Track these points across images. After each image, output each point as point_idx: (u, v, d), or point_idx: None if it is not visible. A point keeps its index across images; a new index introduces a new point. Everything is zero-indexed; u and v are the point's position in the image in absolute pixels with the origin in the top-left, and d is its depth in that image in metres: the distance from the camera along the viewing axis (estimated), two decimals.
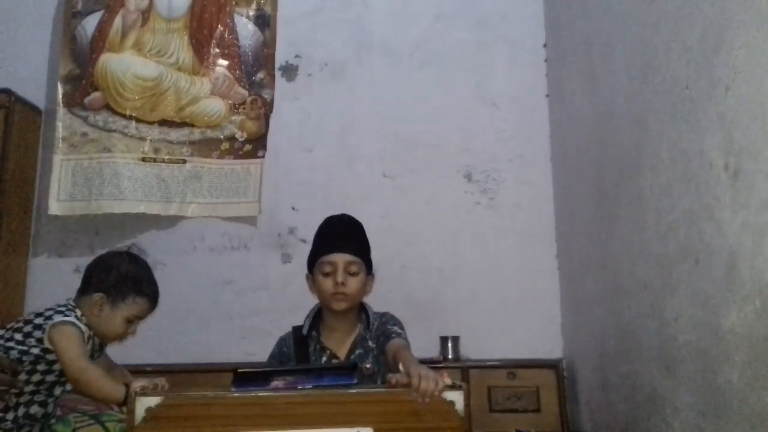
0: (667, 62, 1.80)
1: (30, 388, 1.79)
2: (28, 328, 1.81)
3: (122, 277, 1.88)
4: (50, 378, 1.82)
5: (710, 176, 1.56)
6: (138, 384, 1.55)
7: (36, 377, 1.80)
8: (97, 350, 1.93)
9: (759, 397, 1.35)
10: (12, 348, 1.78)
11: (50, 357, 1.79)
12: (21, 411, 1.79)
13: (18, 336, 1.80)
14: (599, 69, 2.43)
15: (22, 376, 1.76)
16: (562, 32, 3.00)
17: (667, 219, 1.80)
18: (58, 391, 1.85)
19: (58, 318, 1.79)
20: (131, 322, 1.90)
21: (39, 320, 1.82)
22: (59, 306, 1.86)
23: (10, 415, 1.78)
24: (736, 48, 1.45)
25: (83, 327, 1.81)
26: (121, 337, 1.91)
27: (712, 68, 1.55)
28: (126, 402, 1.59)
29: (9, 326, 1.84)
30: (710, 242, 1.56)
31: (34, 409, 1.81)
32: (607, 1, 2.32)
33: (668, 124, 1.79)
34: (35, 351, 1.78)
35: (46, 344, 1.78)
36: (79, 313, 1.84)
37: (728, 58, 1.48)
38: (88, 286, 1.88)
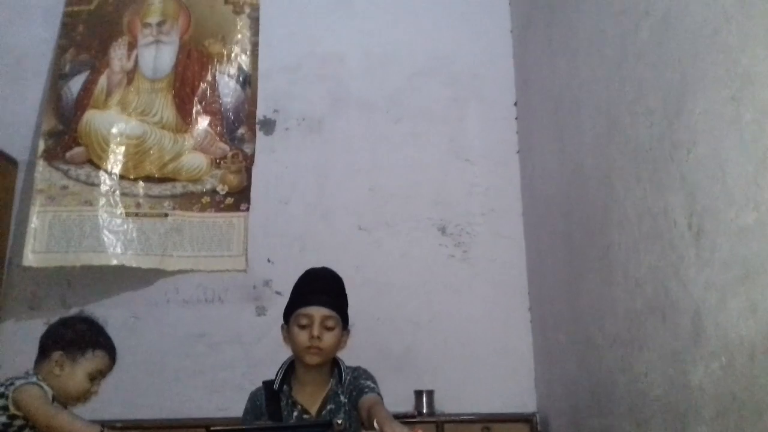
0: (631, 124, 1.88)
1: None
2: None
3: (78, 334, 1.87)
4: None
5: (674, 234, 1.61)
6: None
7: None
8: None
9: None
10: None
11: (17, 423, 1.74)
12: None
13: None
14: (567, 128, 2.51)
15: None
16: (532, 92, 3.10)
17: (635, 275, 1.85)
18: None
19: (19, 382, 1.77)
20: (93, 378, 1.87)
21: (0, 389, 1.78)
22: (17, 377, 1.82)
23: None
24: (696, 113, 1.52)
25: (46, 387, 1.79)
26: (84, 395, 1.87)
27: (674, 132, 1.62)
28: None
29: None
30: (676, 299, 1.61)
31: None
32: (574, 63, 2.42)
33: (633, 183, 1.86)
34: (2, 419, 1.74)
35: (12, 410, 1.74)
36: (39, 378, 1.81)
37: (689, 122, 1.55)
38: (44, 349, 1.86)
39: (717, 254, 1.43)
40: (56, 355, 1.82)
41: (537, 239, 3.02)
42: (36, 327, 2.91)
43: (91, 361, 1.85)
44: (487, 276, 3.17)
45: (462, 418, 2.82)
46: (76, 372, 1.83)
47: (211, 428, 1.46)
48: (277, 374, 1.94)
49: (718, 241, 1.43)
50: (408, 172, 3.30)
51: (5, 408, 1.74)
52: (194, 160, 3.24)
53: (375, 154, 3.33)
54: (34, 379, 1.78)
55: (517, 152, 3.29)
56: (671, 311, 1.63)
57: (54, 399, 1.81)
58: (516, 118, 3.34)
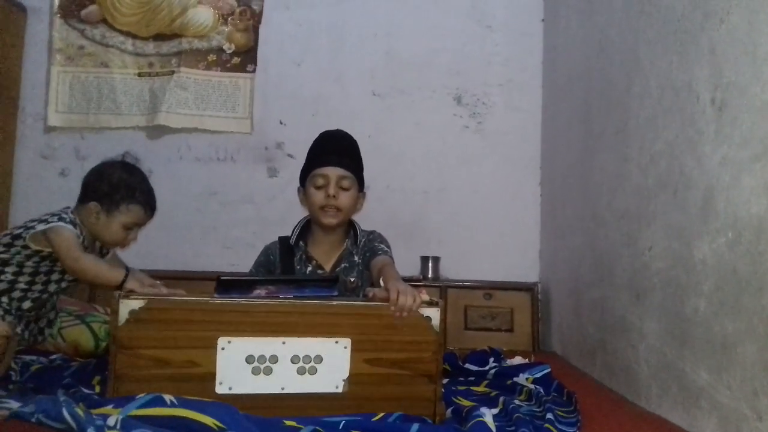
0: None
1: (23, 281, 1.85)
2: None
3: (114, 186, 1.90)
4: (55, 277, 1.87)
5: (696, 110, 1.57)
6: (139, 278, 1.63)
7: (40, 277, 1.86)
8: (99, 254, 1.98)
9: (722, 324, 1.41)
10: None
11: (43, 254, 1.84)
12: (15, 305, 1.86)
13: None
14: None
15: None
16: None
17: (650, 150, 1.82)
18: (53, 287, 1.91)
19: (54, 221, 1.84)
20: (129, 229, 1.93)
21: (32, 223, 1.86)
22: (54, 212, 1.88)
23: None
24: None
25: (78, 230, 1.85)
26: (121, 243, 1.95)
27: (708, 0, 1.53)
28: (122, 286, 1.66)
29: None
30: (690, 175, 1.59)
31: (27, 305, 1.87)
32: None
33: (660, 55, 1.79)
34: (44, 255, 1.85)
35: (34, 246, 1.83)
36: (75, 218, 1.88)
37: None
38: (84, 195, 1.91)
39: (737, 130, 1.39)
40: (92, 205, 1.89)
41: (554, 113, 2.96)
42: (49, 177, 2.96)
43: (125, 214, 1.91)
44: (500, 149, 3.15)
45: (465, 284, 2.91)
46: (111, 223, 1.90)
47: (222, 277, 1.50)
48: (293, 230, 1.97)
49: (740, 117, 1.39)
50: (426, 38, 3.19)
51: (26, 247, 1.83)
52: (200, 15, 3.17)
53: (393, 17, 3.21)
54: (69, 218, 1.83)
55: (542, 21, 3.16)
56: (683, 187, 1.62)
57: (83, 240, 1.88)
58: None
